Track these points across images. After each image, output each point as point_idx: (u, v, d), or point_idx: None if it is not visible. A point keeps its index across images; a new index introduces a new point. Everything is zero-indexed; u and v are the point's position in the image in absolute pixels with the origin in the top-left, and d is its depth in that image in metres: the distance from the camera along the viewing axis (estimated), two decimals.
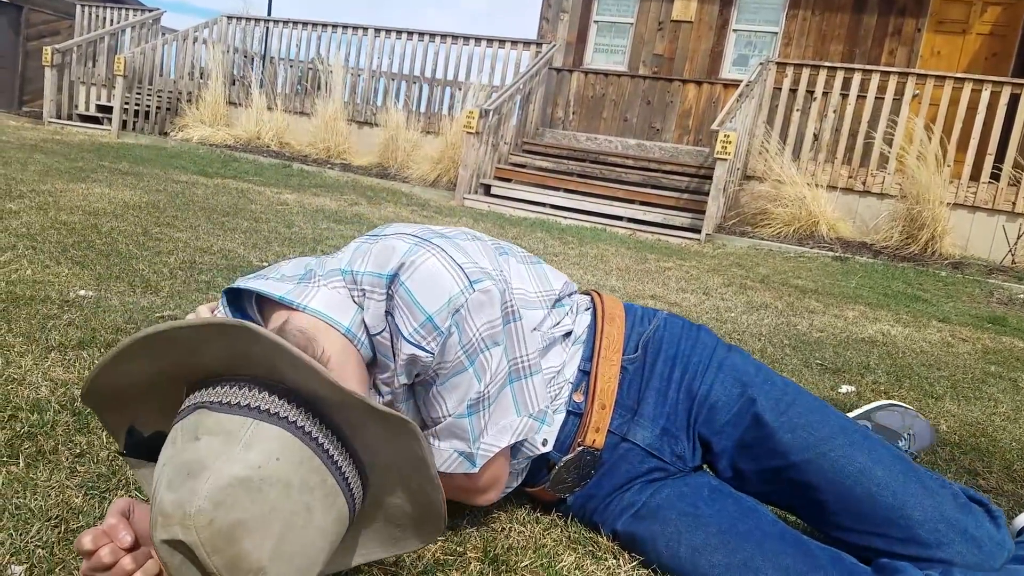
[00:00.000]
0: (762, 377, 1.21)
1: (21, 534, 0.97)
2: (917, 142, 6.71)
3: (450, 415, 1.00)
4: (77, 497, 1.09)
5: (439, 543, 1.10)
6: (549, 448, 1.13)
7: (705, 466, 1.26)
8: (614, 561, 1.12)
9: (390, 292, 0.96)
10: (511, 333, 1.03)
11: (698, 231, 6.81)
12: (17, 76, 16.62)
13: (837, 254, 6.26)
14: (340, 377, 0.89)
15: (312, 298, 0.97)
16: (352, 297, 0.98)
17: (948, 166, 6.63)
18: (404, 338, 0.95)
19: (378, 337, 0.98)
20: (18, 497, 1.06)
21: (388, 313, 0.97)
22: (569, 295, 1.23)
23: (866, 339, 3.45)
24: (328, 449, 0.82)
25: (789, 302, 4.25)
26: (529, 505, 1.27)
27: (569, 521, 1.23)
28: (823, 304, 4.31)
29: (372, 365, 1.02)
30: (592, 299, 1.27)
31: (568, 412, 1.16)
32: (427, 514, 0.90)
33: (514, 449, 1.12)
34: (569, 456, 1.15)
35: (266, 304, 1.02)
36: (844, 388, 2.52)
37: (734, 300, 4.13)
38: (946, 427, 2.15)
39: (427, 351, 0.95)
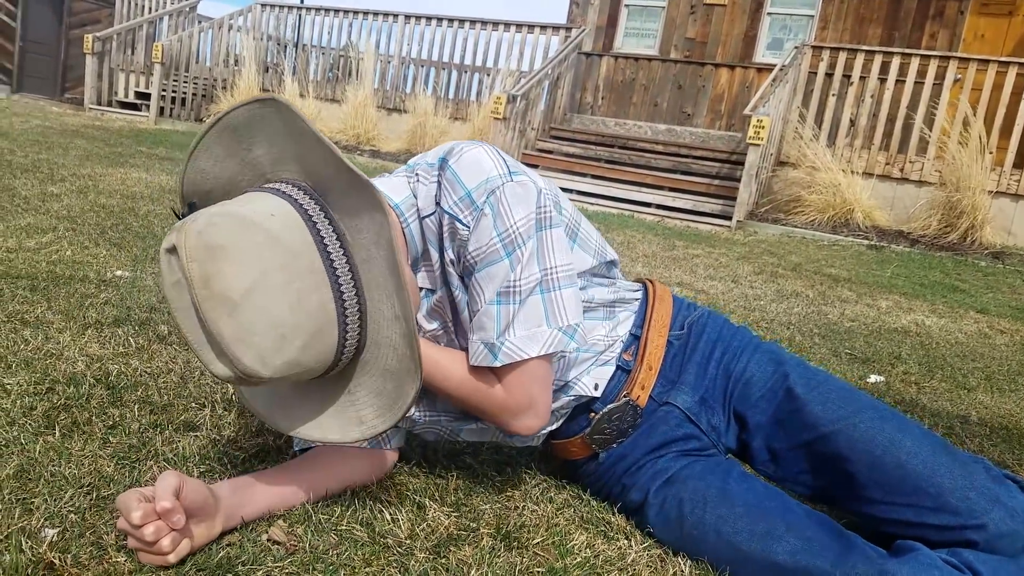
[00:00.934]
0: (796, 360, 1.28)
1: (55, 500, 1.02)
2: (958, 128, 6.56)
3: (484, 304, 1.05)
4: (109, 466, 1.13)
5: (452, 519, 1.12)
6: (599, 393, 1.20)
7: (740, 461, 1.29)
8: (625, 542, 1.13)
9: (439, 175, 1.06)
10: (546, 240, 1.06)
11: (729, 218, 6.74)
12: (59, 64, 16.95)
13: (872, 242, 6.16)
14: None
15: (376, 181, 1.09)
16: (408, 182, 1.10)
17: (990, 153, 6.47)
18: (445, 210, 1.04)
19: (427, 220, 1.08)
20: (53, 465, 1.11)
21: (437, 197, 1.06)
22: (616, 265, 1.30)
23: (899, 329, 3.41)
24: (323, 234, 0.92)
25: (821, 291, 4.21)
26: (544, 484, 1.29)
27: (583, 502, 1.25)
28: (856, 293, 4.25)
29: (421, 258, 1.11)
30: (644, 283, 1.35)
31: (617, 367, 1.22)
32: (405, 369, 0.95)
33: (565, 387, 1.18)
34: (614, 404, 1.20)
35: None
36: (873, 378, 2.50)
37: (764, 288, 4.10)
38: (977, 418, 2.12)
39: (463, 223, 1.04)
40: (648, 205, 7.23)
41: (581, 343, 1.09)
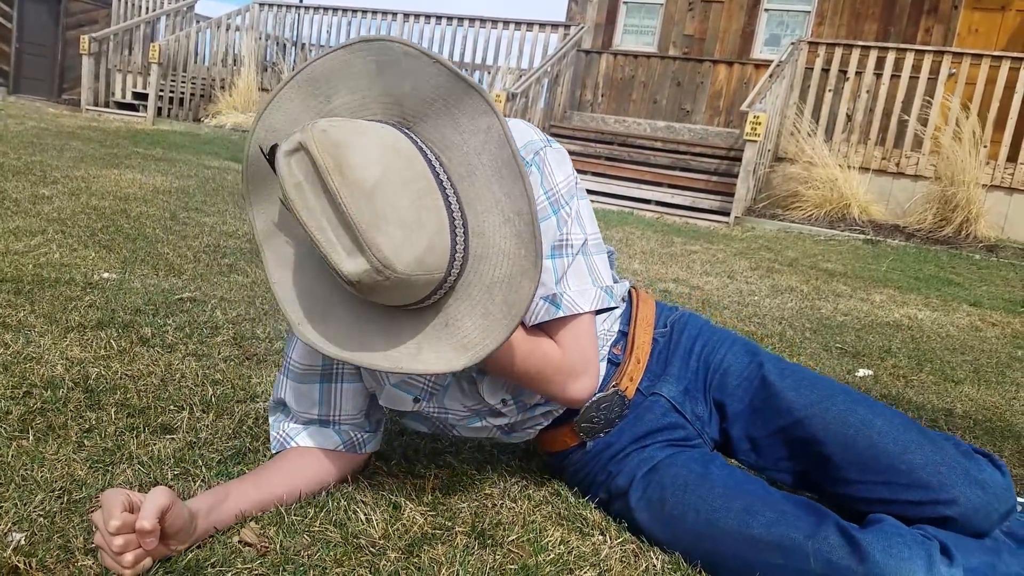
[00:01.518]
0: (770, 353, 1.32)
1: (25, 504, 1.02)
2: (953, 122, 6.55)
3: None
4: (82, 470, 1.13)
5: (428, 518, 1.12)
6: (599, 377, 1.21)
7: (724, 456, 1.31)
8: (600, 537, 1.13)
9: None
10: (586, 207, 1.15)
11: (727, 214, 6.74)
12: (57, 65, 16.95)
13: (868, 237, 6.16)
14: None
15: None
16: None
17: (984, 146, 6.46)
18: None
19: None
20: (25, 469, 1.11)
21: None
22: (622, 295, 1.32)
23: (891, 323, 3.40)
24: (427, 153, 0.93)
25: (816, 286, 4.20)
26: (524, 481, 1.29)
27: (561, 499, 1.25)
28: (851, 288, 4.25)
29: None
30: (629, 288, 1.37)
31: (608, 360, 1.25)
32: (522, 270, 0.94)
33: None
34: (602, 394, 1.22)
35: None
36: (861, 372, 2.50)
37: (759, 284, 4.09)
38: (961, 411, 2.12)
39: None
40: (647, 202, 7.22)
41: (618, 303, 1.16)
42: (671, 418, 1.25)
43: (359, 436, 1.21)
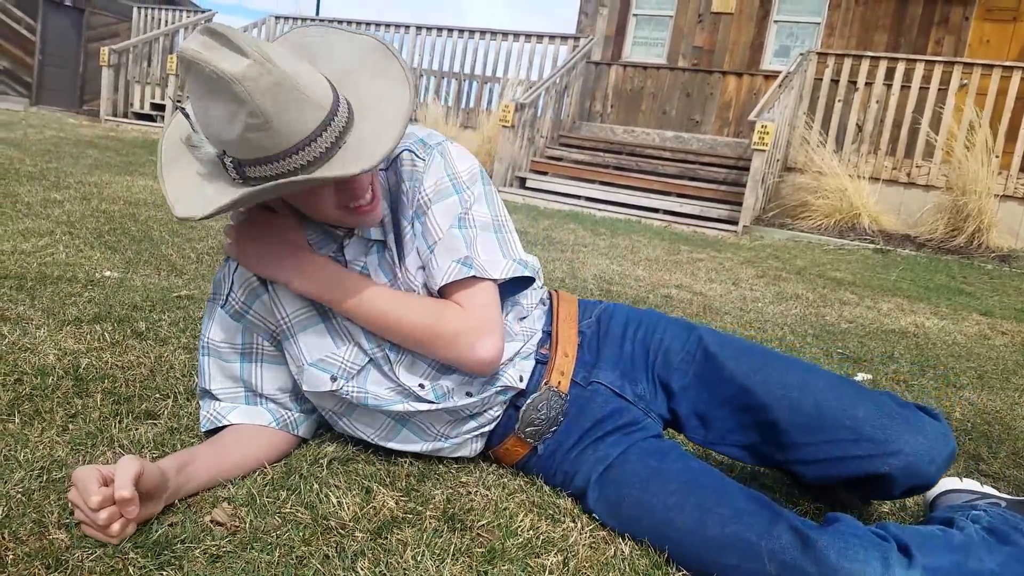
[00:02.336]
0: (707, 327, 1.36)
1: (4, 481, 1.04)
2: (964, 132, 6.51)
3: (443, 232, 1.16)
4: (63, 451, 1.15)
5: (400, 503, 1.13)
6: (524, 384, 1.24)
7: (674, 432, 1.31)
8: (571, 524, 1.14)
9: None
10: (492, 194, 1.23)
11: (735, 223, 6.73)
12: (78, 76, 17.23)
13: (879, 246, 6.12)
14: None
15: None
16: None
17: (996, 157, 6.42)
18: (403, 149, 1.19)
19: (381, 172, 1.20)
20: (8, 449, 1.13)
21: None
22: (538, 273, 1.34)
23: (896, 330, 3.38)
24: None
25: (822, 293, 4.19)
26: (499, 471, 1.30)
27: (536, 488, 1.26)
28: (858, 296, 4.23)
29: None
30: (549, 292, 1.42)
31: (536, 361, 1.27)
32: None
33: (492, 379, 1.22)
34: (536, 394, 1.24)
35: None
36: (860, 376, 2.49)
37: (764, 291, 4.08)
38: (960, 415, 2.10)
39: (419, 158, 1.18)
40: (656, 211, 7.23)
41: (533, 274, 1.21)
42: (614, 404, 1.26)
43: (290, 416, 1.26)
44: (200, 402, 1.28)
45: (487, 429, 1.26)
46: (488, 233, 1.19)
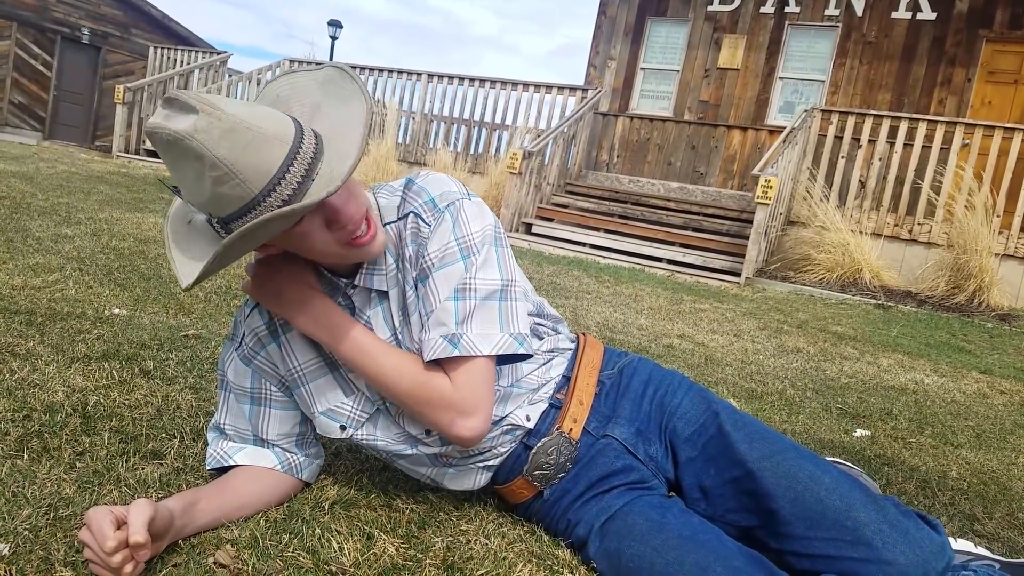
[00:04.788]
0: (724, 402, 1.33)
1: (12, 518, 1.06)
2: (966, 191, 6.60)
3: (439, 303, 1.14)
4: (71, 488, 1.17)
5: (400, 549, 1.15)
6: (531, 424, 1.25)
7: (675, 495, 1.32)
8: (570, 575, 1.15)
9: (404, 191, 1.20)
10: (503, 256, 1.19)
11: (738, 274, 6.77)
12: (92, 112, 17.53)
13: (880, 302, 6.15)
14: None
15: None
16: (372, 193, 1.22)
17: (997, 216, 6.50)
18: (410, 210, 1.18)
19: (387, 227, 1.19)
20: (16, 486, 1.15)
21: (399, 209, 1.19)
22: (560, 322, 1.38)
23: (896, 387, 3.39)
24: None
25: (823, 348, 4.20)
26: (500, 519, 1.31)
27: (535, 538, 1.27)
28: (859, 351, 4.24)
29: (377, 262, 1.20)
30: (577, 335, 1.43)
31: (550, 404, 1.29)
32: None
33: (499, 421, 1.24)
34: (547, 438, 1.25)
35: None
36: (858, 432, 2.49)
37: (765, 343, 4.10)
38: (956, 474, 2.11)
39: (425, 222, 1.16)
40: (659, 260, 7.28)
41: (529, 351, 1.18)
42: (625, 460, 1.26)
43: (295, 459, 1.28)
44: (209, 436, 1.30)
45: (494, 463, 1.28)
46: (490, 302, 1.16)
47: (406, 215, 1.18)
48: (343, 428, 1.23)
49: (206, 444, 1.43)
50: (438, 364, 1.15)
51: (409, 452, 1.24)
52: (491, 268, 1.16)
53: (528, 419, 1.26)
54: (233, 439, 1.27)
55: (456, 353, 1.12)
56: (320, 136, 1.04)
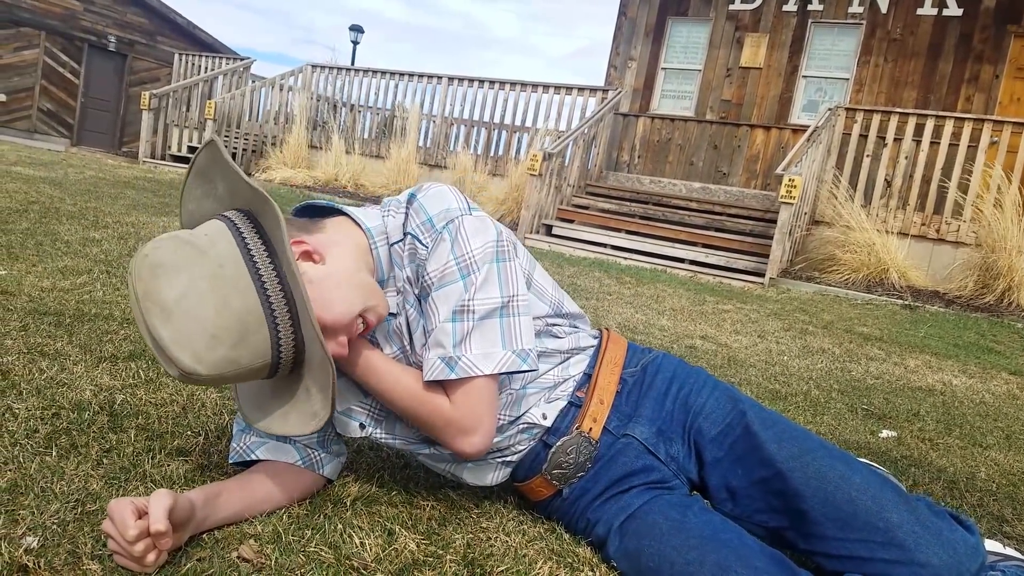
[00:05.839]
0: (751, 400, 1.31)
1: (41, 512, 1.08)
2: (994, 190, 6.50)
3: (439, 323, 1.14)
4: (98, 484, 1.19)
5: (421, 546, 1.15)
6: (548, 423, 1.25)
7: (696, 494, 1.31)
8: (590, 573, 1.14)
9: (407, 207, 1.19)
10: (506, 271, 1.17)
11: (761, 275, 6.72)
12: (119, 119, 17.79)
13: (907, 302, 6.07)
14: (340, 253, 1.15)
15: (354, 209, 1.23)
16: (380, 215, 1.22)
17: None
18: (407, 232, 1.17)
19: (395, 247, 1.19)
20: (45, 481, 1.17)
21: (404, 226, 1.18)
22: (580, 318, 1.36)
23: (923, 388, 3.34)
24: (251, 248, 1.05)
25: (848, 348, 4.15)
26: (520, 517, 1.31)
27: (556, 536, 1.27)
28: (885, 352, 4.19)
29: (387, 281, 1.21)
30: (601, 330, 1.41)
31: (569, 403, 1.28)
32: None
33: (515, 420, 1.24)
34: (566, 437, 1.25)
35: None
36: (885, 433, 2.46)
37: (790, 344, 4.06)
38: (985, 475, 2.08)
39: (422, 244, 1.15)
40: (681, 261, 7.25)
41: (533, 366, 1.16)
42: (645, 460, 1.25)
43: (317, 455, 1.28)
44: (234, 429, 1.31)
45: (512, 460, 1.28)
46: (490, 321, 1.14)
47: (407, 235, 1.18)
48: (362, 426, 1.24)
49: (230, 441, 1.45)
50: (439, 383, 1.16)
51: (427, 450, 1.25)
52: (491, 286, 1.15)
53: (544, 417, 1.25)
54: (255, 435, 1.28)
55: (453, 376, 1.13)
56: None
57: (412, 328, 1.19)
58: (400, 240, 1.18)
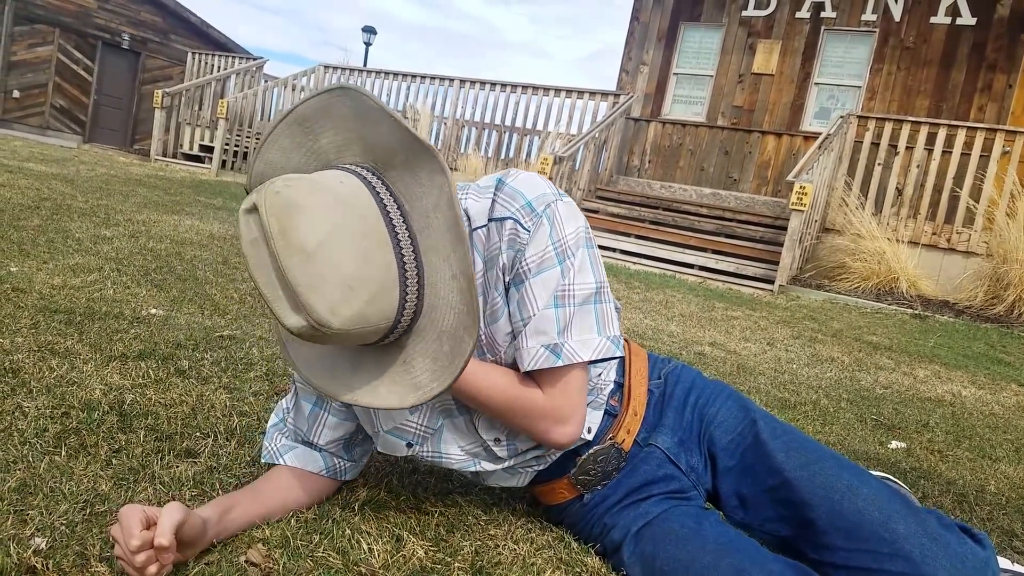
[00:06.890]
0: (763, 410, 1.32)
1: (50, 512, 1.08)
2: (1006, 199, 6.46)
3: (538, 310, 1.11)
4: (106, 485, 1.19)
5: (429, 552, 1.15)
6: (592, 436, 1.24)
7: (712, 507, 1.32)
8: None
9: (495, 193, 1.13)
10: (595, 256, 1.16)
11: (771, 282, 6.69)
12: (131, 116, 17.89)
13: (916, 312, 6.04)
14: None
15: None
16: (464, 193, 1.16)
17: None
18: (508, 216, 1.11)
19: (478, 232, 1.13)
20: (54, 481, 1.17)
21: (491, 212, 1.12)
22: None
23: (932, 398, 3.32)
24: (385, 202, 0.98)
25: (858, 358, 4.13)
26: (528, 525, 1.31)
27: (564, 544, 1.26)
28: (894, 361, 4.17)
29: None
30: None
31: (605, 412, 1.27)
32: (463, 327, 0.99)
33: None
34: (599, 447, 1.24)
35: None
36: (894, 444, 2.45)
37: (799, 352, 4.05)
38: (995, 488, 2.06)
39: (524, 227, 1.10)
40: (691, 266, 7.23)
41: (622, 352, 1.16)
42: (666, 469, 1.26)
43: (341, 464, 1.28)
44: (270, 422, 1.31)
45: (542, 468, 1.27)
46: (587, 306, 1.13)
47: (502, 219, 1.11)
48: (409, 446, 1.20)
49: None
50: (529, 373, 1.14)
51: (473, 469, 1.23)
52: (587, 271, 1.13)
53: (589, 431, 1.23)
54: (287, 436, 1.28)
55: (559, 363, 1.11)
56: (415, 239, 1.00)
57: (497, 316, 1.15)
58: (483, 226, 1.13)
